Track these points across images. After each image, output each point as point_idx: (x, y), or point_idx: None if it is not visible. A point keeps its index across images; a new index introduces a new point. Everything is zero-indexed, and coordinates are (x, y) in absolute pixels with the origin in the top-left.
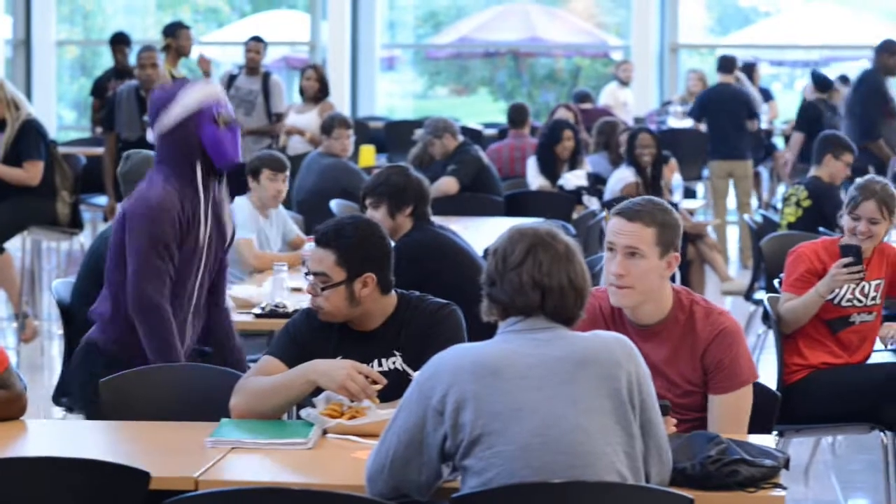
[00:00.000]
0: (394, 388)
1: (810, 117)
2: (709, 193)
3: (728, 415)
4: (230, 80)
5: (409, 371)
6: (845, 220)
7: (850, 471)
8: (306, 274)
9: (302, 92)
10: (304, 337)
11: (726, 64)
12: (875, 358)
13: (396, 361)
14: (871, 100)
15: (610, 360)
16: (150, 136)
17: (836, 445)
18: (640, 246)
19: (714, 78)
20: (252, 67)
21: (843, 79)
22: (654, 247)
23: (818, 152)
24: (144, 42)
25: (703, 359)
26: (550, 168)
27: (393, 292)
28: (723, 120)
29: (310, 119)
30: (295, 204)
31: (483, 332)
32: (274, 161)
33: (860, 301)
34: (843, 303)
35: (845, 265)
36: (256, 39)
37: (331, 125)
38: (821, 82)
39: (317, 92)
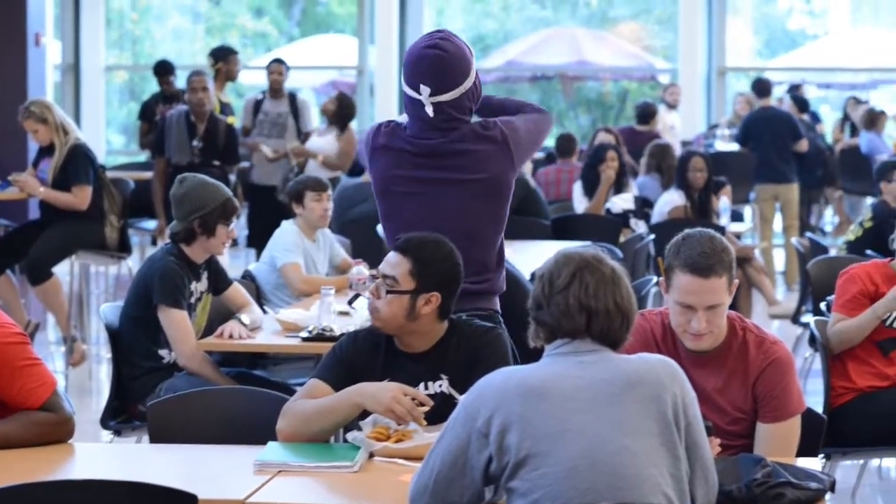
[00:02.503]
0: (440, 411)
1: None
2: (755, 217)
3: (776, 445)
4: (256, 106)
5: (456, 394)
6: None
7: None
8: (350, 301)
9: (323, 114)
10: (351, 359)
11: (762, 87)
12: None
13: (443, 385)
14: None
15: (655, 383)
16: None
17: (882, 468)
18: (721, 300)
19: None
20: (276, 90)
21: (856, 100)
22: (727, 290)
23: (876, 179)
24: (193, 67)
25: (754, 388)
26: (595, 191)
27: (446, 320)
28: (767, 143)
29: (327, 142)
30: (338, 227)
31: (530, 357)
32: (315, 182)
33: None
34: (895, 324)
35: None
36: (278, 62)
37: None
38: (799, 102)
39: (332, 115)
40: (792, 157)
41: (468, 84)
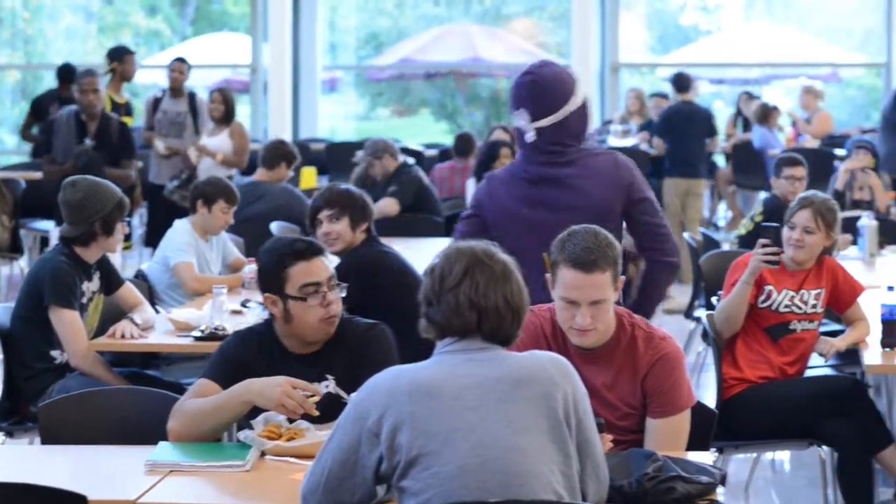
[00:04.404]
0: (328, 411)
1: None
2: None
3: (665, 439)
4: (156, 104)
5: (343, 394)
6: (785, 231)
7: (790, 487)
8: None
9: (212, 117)
10: (238, 358)
11: (682, 82)
12: (812, 373)
13: (329, 385)
14: None
15: (546, 380)
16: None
17: (775, 462)
18: (605, 295)
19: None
20: (176, 89)
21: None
22: (612, 285)
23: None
24: (86, 66)
25: (643, 383)
26: None
27: None
28: (685, 138)
29: (220, 141)
30: (231, 226)
31: (425, 351)
32: (232, 194)
33: (799, 308)
34: (782, 308)
35: (763, 245)
36: (180, 60)
37: (274, 159)
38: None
39: (223, 115)
40: (705, 153)
41: (571, 108)
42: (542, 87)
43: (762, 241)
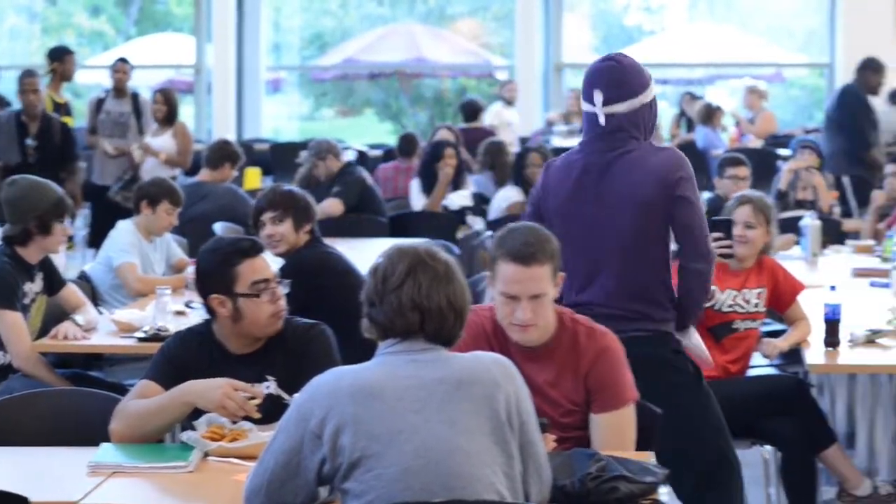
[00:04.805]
0: (270, 412)
1: None
2: None
3: (611, 434)
4: (99, 105)
5: (284, 395)
6: None
7: None
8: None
9: (156, 118)
10: (180, 359)
11: None
12: (755, 372)
13: (270, 386)
14: (859, 112)
15: (489, 381)
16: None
17: None
18: (544, 288)
19: None
20: (119, 89)
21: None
22: (551, 280)
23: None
24: (30, 67)
25: (586, 379)
26: (433, 188)
27: None
28: None
29: (164, 142)
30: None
31: (368, 351)
32: (178, 195)
33: (742, 307)
34: (725, 308)
35: (716, 239)
36: (122, 61)
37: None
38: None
39: (165, 115)
40: None
41: (644, 99)
42: (620, 73)
43: (715, 234)
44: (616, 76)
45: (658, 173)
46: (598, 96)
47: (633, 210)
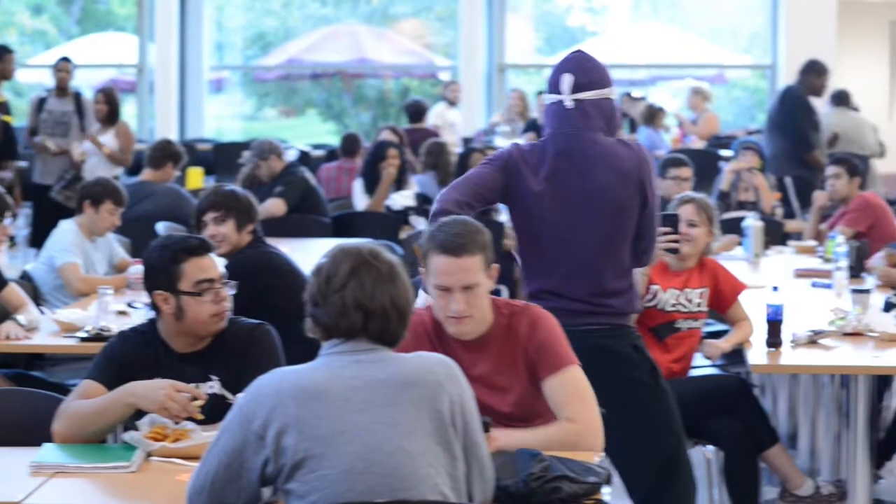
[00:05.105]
0: (213, 412)
1: None
2: None
3: (570, 391)
4: (40, 104)
5: (228, 395)
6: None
7: None
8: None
9: (98, 118)
10: (123, 359)
11: None
12: (698, 372)
13: (214, 386)
14: (801, 114)
15: (432, 382)
16: None
17: None
18: (476, 279)
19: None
20: (62, 88)
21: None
22: (484, 271)
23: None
24: None
25: (526, 353)
26: (376, 188)
27: None
28: None
29: (106, 141)
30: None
31: (313, 351)
32: (120, 195)
33: (685, 307)
34: (668, 308)
35: (664, 233)
36: (65, 60)
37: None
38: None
39: (107, 115)
40: None
41: (610, 94)
42: (589, 62)
43: (663, 228)
44: (587, 65)
45: (629, 168)
46: (569, 79)
47: (603, 207)
